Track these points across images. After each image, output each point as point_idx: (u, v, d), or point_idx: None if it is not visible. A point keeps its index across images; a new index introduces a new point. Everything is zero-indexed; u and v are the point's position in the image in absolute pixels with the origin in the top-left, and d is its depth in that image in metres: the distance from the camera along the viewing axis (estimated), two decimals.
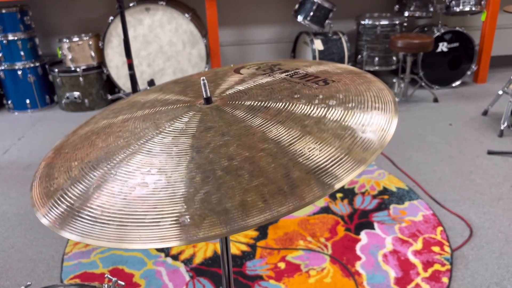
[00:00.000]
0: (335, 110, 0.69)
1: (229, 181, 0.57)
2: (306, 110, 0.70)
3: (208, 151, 0.62)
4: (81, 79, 3.49)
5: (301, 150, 0.61)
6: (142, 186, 0.59)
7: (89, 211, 0.59)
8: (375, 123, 0.66)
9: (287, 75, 0.85)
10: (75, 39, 3.45)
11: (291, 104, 0.71)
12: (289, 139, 0.63)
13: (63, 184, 0.65)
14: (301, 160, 0.59)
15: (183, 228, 0.53)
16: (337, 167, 0.58)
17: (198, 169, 0.59)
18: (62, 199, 0.62)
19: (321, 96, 0.74)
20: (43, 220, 0.61)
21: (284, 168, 0.58)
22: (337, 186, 0.56)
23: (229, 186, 0.56)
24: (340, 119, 0.67)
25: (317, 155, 0.59)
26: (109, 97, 3.64)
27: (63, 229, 0.58)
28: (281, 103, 0.72)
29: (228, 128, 0.67)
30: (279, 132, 0.64)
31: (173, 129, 0.70)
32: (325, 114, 0.68)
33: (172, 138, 0.67)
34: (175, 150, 0.64)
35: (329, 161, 0.59)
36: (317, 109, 0.70)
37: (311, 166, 0.58)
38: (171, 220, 0.54)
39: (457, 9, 3.43)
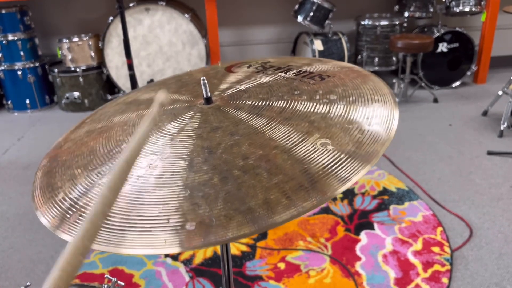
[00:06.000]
0: (337, 104, 0.70)
1: (248, 180, 0.56)
2: (309, 105, 0.70)
3: (220, 151, 0.62)
4: (81, 79, 3.49)
5: (313, 145, 0.61)
6: (159, 190, 0.58)
7: (109, 220, 0.57)
8: (379, 115, 0.67)
9: (281, 71, 0.85)
10: (75, 39, 3.45)
11: (293, 101, 0.71)
12: (300, 135, 0.63)
13: (71, 192, 0.63)
14: (316, 156, 0.59)
15: (210, 230, 0.52)
16: (351, 161, 0.58)
17: (214, 170, 0.59)
18: (72, 208, 0.61)
19: (321, 92, 0.74)
20: (64, 236, 0.58)
21: (301, 164, 0.58)
22: (355, 179, 0.56)
23: (249, 185, 0.56)
24: (344, 113, 0.67)
25: (330, 150, 0.60)
26: (109, 97, 3.64)
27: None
28: (283, 100, 0.72)
29: (235, 128, 0.66)
30: (288, 129, 0.64)
31: (177, 130, 0.69)
32: (329, 109, 0.69)
33: (180, 140, 0.66)
34: (185, 152, 0.63)
35: (343, 154, 0.59)
36: (320, 104, 0.70)
37: (326, 160, 0.58)
38: (197, 222, 0.53)
39: (457, 10, 3.43)
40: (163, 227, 0.54)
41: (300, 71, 0.84)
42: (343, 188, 0.55)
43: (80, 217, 0.59)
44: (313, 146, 0.61)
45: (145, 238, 0.53)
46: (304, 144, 0.61)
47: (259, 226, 0.51)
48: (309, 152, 0.60)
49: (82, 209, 0.60)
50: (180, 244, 0.51)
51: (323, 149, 0.60)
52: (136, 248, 0.52)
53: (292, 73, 0.83)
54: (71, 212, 0.60)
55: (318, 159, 0.59)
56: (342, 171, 0.57)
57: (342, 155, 0.59)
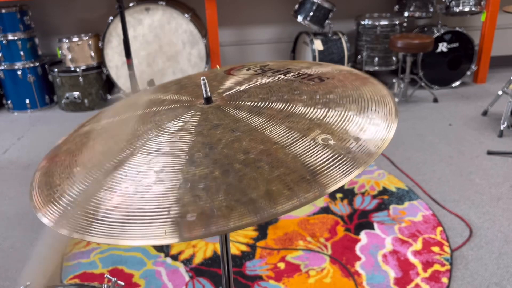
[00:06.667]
0: (337, 104, 0.71)
1: (249, 173, 0.57)
2: (310, 105, 0.71)
3: (221, 146, 0.62)
4: (80, 79, 3.49)
5: (314, 141, 0.62)
6: (158, 184, 0.59)
7: (109, 214, 0.57)
8: (379, 114, 0.68)
9: (281, 74, 0.85)
10: (75, 39, 3.45)
11: (293, 101, 0.72)
12: (300, 132, 0.64)
13: (69, 190, 0.64)
14: (317, 151, 0.60)
15: (211, 220, 0.52)
16: (351, 156, 0.59)
17: (215, 164, 0.60)
18: (71, 204, 0.61)
19: (320, 92, 0.75)
20: (64, 231, 0.58)
21: (302, 158, 0.59)
22: (355, 173, 0.57)
23: (251, 178, 0.56)
24: (344, 111, 0.68)
25: (331, 144, 0.61)
26: (109, 97, 3.64)
27: (90, 235, 0.56)
28: (283, 100, 0.73)
29: (236, 125, 0.67)
30: (289, 126, 0.65)
31: (178, 128, 0.69)
32: (329, 108, 0.69)
33: (180, 137, 0.67)
34: (185, 148, 0.64)
35: (343, 150, 0.60)
36: (320, 103, 0.71)
37: (327, 155, 0.59)
38: (198, 213, 0.54)
39: (457, 10, 3.43)
40: (163, 218, 0.54)
41: (299, 73, 0.85)
42: (344, 181, 0.56)
43: (78, 213, 0.59)
44: (314, 141, 0.62)
45: (145, 230, 0.54)
46: (305, 140, 0.62)
47: (261, 216, 0.52)
48: (310, 147, 0.61)
49: (81, 205, 0.61)
50: (181, 234, 0.52)
51: (324, 144, 0.61)
52: (136, 240, 0.53)
53: (292, 75, 0.84)
54: (70, 209, 0.61)
55: (319, 154, 0.60)
56: (343, 165, 0.58)
57: (343, 150, 0.60)
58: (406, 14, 3.56)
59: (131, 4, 3.30)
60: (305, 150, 0.60)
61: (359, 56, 3.67)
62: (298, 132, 0.63)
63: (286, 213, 0.52)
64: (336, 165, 0.58)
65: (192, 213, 0.54)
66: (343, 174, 0.57)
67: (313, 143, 0.61)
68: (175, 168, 0.61)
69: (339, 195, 2.15)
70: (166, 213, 0.55)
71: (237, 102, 0.74)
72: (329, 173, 0.57)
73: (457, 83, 3.66)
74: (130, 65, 2.65)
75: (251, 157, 0.59)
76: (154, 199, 0.57)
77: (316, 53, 3.45)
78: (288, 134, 0.63)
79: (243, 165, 0.58)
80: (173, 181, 0.59)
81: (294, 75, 0.84)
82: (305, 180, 0.56)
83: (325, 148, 0.60)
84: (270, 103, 0.72)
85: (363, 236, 1.84)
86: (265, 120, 0.67)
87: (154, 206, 0.56)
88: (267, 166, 0.58)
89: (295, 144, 0.61)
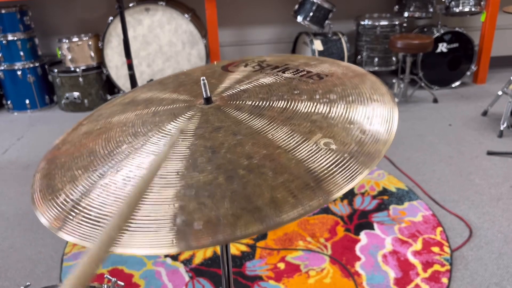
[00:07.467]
0: (337, 104, 0.70)
1: (253, 179, 0.56)
2: (310, 105, 0.70)
3: (224, 151, 0.61)
4: (80, 79, 3.49)
5: (316, 145, 0.61)
6: (164, 190, 0.58)
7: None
8: (379, 114, 0.67)
9: (279, 70, 0.84)
10: (75, 39, 3.45)
11: (293, 101, 0.71)
12: (302, 135, 0.63)
13: (72, 194, 0.63)
14: (319, 155, 0.59)
15: (217, 229, 0.52)
16: (355, 160, 0.58)
17: (219, 170, 0.58)
18: (74, 209, 0.60)
19: (320, 91, 0.74)
20: (66, 237, 0.58)
21: (305, 163, 0.58)
22: (359, 178, 0.56)
23: (255, 184, 0.56)
24: (345, 113, 0.68)
25: (333, 149, 0.60)
26: (109, 97, 3.64)
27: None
28: (283, 100, 0.72)
29: (238, 127, 0.66)
30: (290, 129, 0.64)
31: (179, 129, 0.68)
32: (330, 108, 0.69)
33: (182, 141, 0.65)
34: (188, 152, 0.63)
35: (346, 154, 0.59)
36: (320, 104, 0.70)
37: (330, 160, 0.59)
38: (204, 221, 0.53)
39: (457, 10, 3.43)
40: (170, 227, 0.53)
41: (298, 70, 0.84)
42: (348, 187, 0.55)
43: (83, 219, 0.59)
44: (316, 145, 0.61)
45: (152, 238, 0.53)
46: (307, 144, 0.61)
47: (267, 225, 0.51)
48: (312, 152, 0.60)
49: (85, 210, 0.60)
50: (188, 243, 0.51)
51: (326, 149, 0.60)
52: (144, 248, 0.52)
53: (290, 72, 0.83)
54: (74, 214, 0.60)
55: (322, 159, 0.59)
56: (346, 171, 0.57)
57: (346, 155, 0.59)
58: (406, 14, 3.56)
59: (131, 5, 3.30)
60: (308, 155, 0.59)
61: (359, 56, 3.67)
62: (300, 135, 0.63)
63: (291, 221, 0.52)
64: (339, 170, 0.57)
65: (198, 221, 0.53)
66: (347, 180, 0.56)
67: (315, 148, 0.60)
68: (178, 173, 0.59)
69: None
70: (173, 221, 0.54)
71: (237, 102, 0.73)
72: (332, 179, 0.56)
73: (457, 83, 3.66)
74: (130, 65, 2.65)
75: (255, 163, 0.59)
76: (159, 206, 0.56)
77: (316, 54, 3.45)
78: (290, 138, 0.62)
79: (247, 171, 0.57)
80: (178, 188, 0.57)
81: (293, 73, 0.83)
82: (309, 187, 0.55)
83: (328, 153, 0.59)
84: (271, 103, 0.71)
85: (363, 236, 1.84)
86: (267, 122, 0.66)
87: (160, 214, 0.55)
88: (270, 172, 0.57)
89: (298, 149, 0.60)
